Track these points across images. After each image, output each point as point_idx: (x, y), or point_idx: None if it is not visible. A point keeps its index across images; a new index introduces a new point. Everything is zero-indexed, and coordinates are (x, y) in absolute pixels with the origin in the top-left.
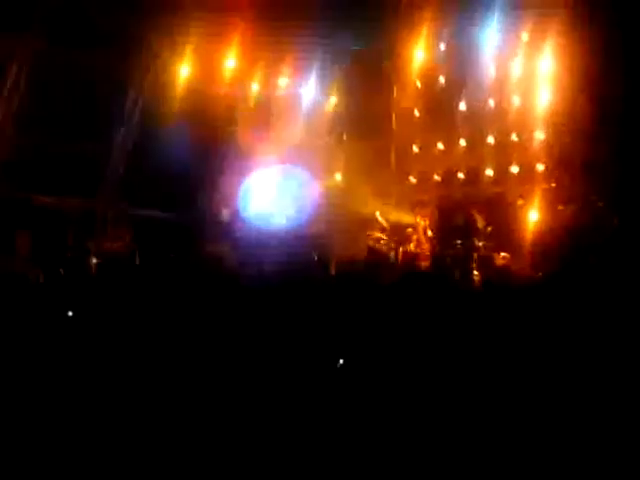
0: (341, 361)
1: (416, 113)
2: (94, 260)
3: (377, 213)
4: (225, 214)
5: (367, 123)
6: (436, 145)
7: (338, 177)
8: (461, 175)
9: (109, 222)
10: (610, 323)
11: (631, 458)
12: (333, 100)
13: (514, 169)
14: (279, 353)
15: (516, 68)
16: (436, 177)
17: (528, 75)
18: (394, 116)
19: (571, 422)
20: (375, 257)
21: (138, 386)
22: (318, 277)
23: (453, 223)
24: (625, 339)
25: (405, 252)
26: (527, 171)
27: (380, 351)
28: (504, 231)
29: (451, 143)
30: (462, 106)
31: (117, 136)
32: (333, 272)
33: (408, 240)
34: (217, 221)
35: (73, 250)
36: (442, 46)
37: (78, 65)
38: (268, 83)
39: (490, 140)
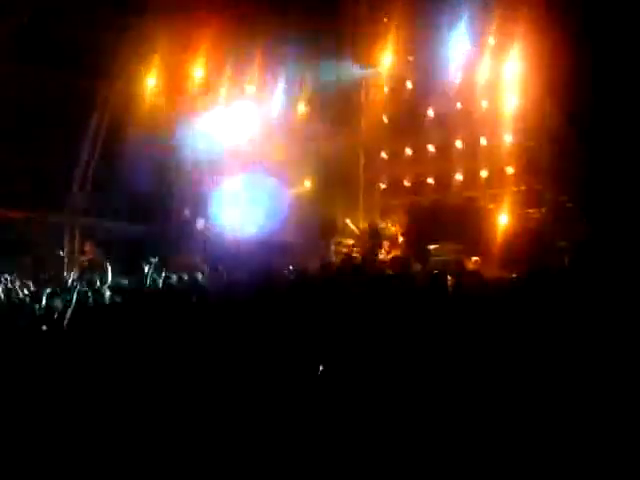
0: (321, 367)
1: (384, 119)
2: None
3: (347, 220)
4: (198, 224)
5: (336, 131)
6: (405, 151)
7: (308, 185)
8: (431, 181)
9: (77, 237)
10: (583, 323)
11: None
12: (301, 108)
13: (483, 173)
14: (255, 361)
15: (484, 72)
16: (406, 183)
17: (496, 79)
18: (363, 124)
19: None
20: (348, 264)
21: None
22: (291, 285)
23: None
24: (596, 338)
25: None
26: (496, 175)
27: (358, 356)
28: (475, 235)
29: (420, 149)
30: (430, 112)
31: (84, 151)
32: (306, 280)
33: (379, 246)
34: (190, 232)
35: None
36: (410, 52)
37: (45, 82)
38: (236, 93)
39: (459, 145)
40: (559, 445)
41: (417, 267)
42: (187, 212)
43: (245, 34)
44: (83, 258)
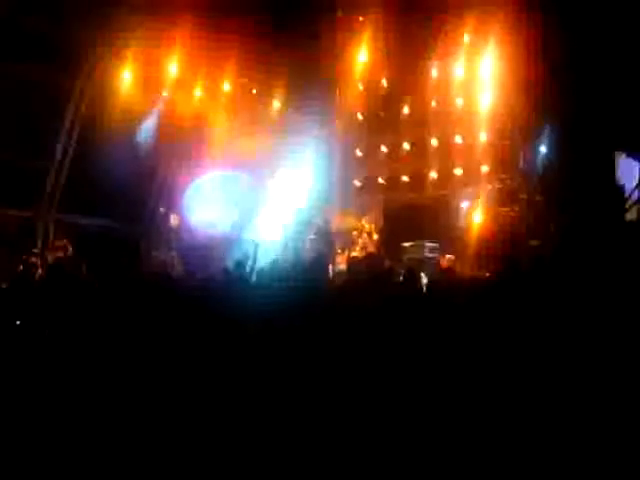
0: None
1: (359, 117)
2: (39, 271)
3: (319, 218)
4: (172, 222)
5: (311, 127)
6: (380, 149)
7: (282, 182)
8: (406, 178)
9: (51, 233)
10: (557, 320)
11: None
12: (276, 105)
13: (458, 171)
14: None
15: (459, 71)
16: (381, 180)
17: (471, 78)
18: (337, 122)
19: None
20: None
21: (82, 394)
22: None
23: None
24: (570, 334)
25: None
26: (471, 173)
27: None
28: (449, 233)
29: (395, 147)
30: (406, 110)
31: (58, 148)
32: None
33: (354, 244)
34: (164, 229)
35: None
36: (385, 51)
37: (16, 78)
38: (210, 89)
39: (434, 143)
40: (521, 442)
41: (389, 264)
42: (162, 209)
43: (220, 30)
44: (54, 255)
